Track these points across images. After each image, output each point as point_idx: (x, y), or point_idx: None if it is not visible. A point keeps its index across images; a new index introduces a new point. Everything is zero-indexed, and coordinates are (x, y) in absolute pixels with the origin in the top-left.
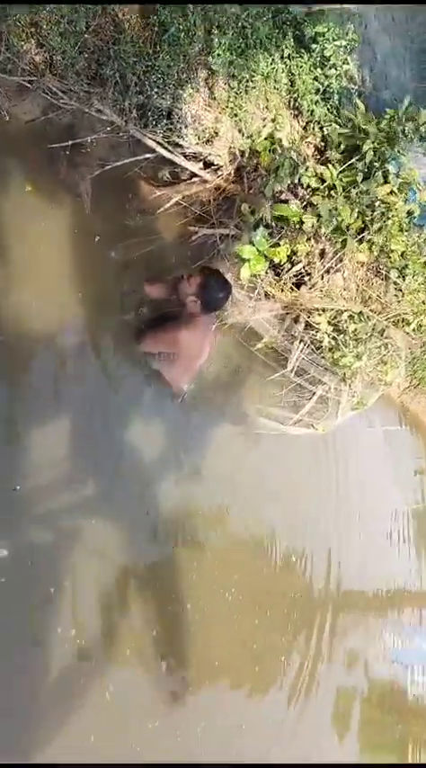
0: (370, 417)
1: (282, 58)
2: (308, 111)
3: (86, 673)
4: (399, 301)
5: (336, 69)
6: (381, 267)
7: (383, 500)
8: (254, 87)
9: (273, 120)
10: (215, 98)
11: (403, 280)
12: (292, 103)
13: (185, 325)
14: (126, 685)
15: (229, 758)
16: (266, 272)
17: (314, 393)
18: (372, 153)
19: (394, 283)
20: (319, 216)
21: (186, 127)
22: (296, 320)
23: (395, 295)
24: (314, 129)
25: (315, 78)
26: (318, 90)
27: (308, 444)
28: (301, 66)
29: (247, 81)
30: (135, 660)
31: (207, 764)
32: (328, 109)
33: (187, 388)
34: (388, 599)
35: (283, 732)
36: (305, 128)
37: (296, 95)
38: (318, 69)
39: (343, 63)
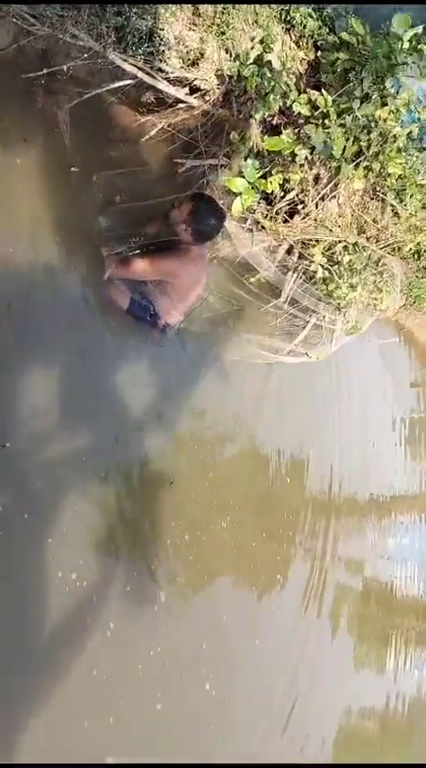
0: (366, 333)
1: None
2: (301, 24)
3: (89, 612)
4: (396, 224)
5: None
6: (378, 190)
7: (380, 411)
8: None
9: (262, 42)
10: (200, 15)
11: (401, 202)
12: (283, 16)
13: (178, 253)
14: (126, 619)
15: (232, 671)
16: (258, 203)
17: (307, 322)
18: (373, 74)
19: (391, 206)
20: (312, 147)
21: (169, 49)
22: (289, 252)
23: (392, 218)
24: (307, 43)
25: None
26: None
27: (306, 364)
28: None
29: None
30: (134, 595)
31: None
32: (322, 21)
33: (180, 322)
34: (386, 503)
35: (288, 635)
36: (297, 43)
37: (287, 7)
38: None
39: None
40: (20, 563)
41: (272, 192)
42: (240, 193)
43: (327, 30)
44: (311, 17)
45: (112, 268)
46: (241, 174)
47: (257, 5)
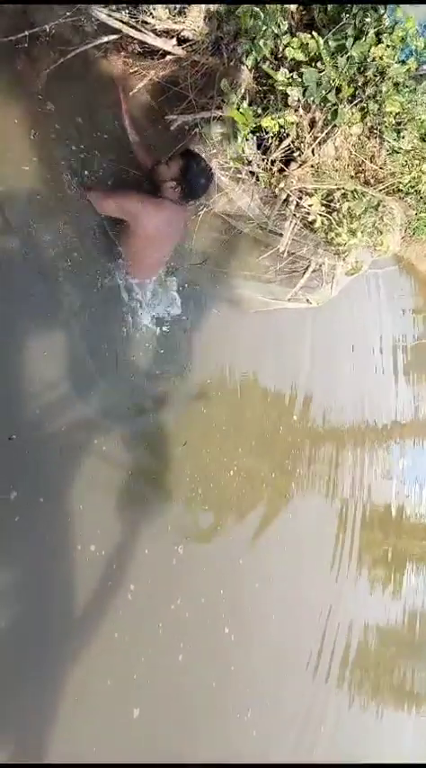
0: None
1: None
2: None
3: (109, 579)
4: (394, 161)
5: None
6: (374, 128)
7: (376, 338)
8: None
9: None
10: None
11: (399, 139)
12: None
13: (146, 198)
14: (146, 580)
15: (250, 613)
16: (253, 153)
17: (306, 268)
18: (365, 9)
19: (389, 143)
20: (305, 88)
21: None
22: (286, 201)
23: (389, 155)
24: None
25: None
26: None
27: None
28: None
29: None
30: (153, 556)
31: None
32: None
33: (150, 281)
34: (386, 428)
35: (293, 564)
36: None
37: None
38: None
39: None
40: (38, 543)
41: (268, 130)
42: (238, 131)
43: None
44: None
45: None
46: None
47: None
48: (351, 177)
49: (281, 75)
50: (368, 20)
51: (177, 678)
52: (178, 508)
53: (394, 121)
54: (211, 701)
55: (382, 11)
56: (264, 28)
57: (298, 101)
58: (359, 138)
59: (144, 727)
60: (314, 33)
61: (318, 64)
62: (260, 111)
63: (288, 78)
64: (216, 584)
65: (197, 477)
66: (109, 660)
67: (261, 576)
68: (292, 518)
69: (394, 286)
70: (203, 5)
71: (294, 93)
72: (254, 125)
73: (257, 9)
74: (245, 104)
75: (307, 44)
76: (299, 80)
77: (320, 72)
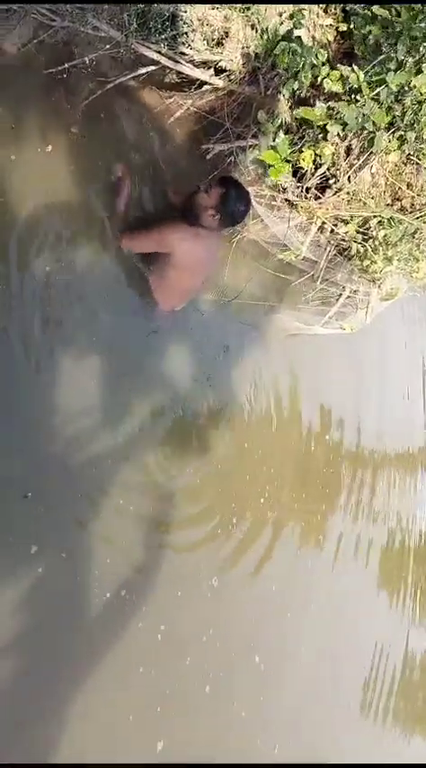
0: None
1: None
2: None
3: (139, 620)
4: None
5: None
6: (411, 156)
7: (407, 362)
8: None
9: (292, 17)
10: None
11: None
12: None
13: (182, 228)
14: (178, 619)
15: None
16: (289, 181)
17: (340, 295)
18: (408, 45)
19: None
20: (345, 124)
21: (193, 31)
22: (321, 229)
23: None
24: (336, 9)
25: None
26: None
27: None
28: None
29: None
30: (185, 592)
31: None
32: None
33: (176, 309)
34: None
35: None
36: (325, 10)
37: None
38: None
39: None
40: (65, 592)
41: (303, 168)
42: (272, 165)
43: None
44: None
45: (123, 241)
46: (272, 148)
47: None
48: (388, 205)
49: (319, 110)
50: (413, 53)
51: (202, 710)
52: (212, 541)
53: None
54: (239, 733)
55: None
56: (302, 61)
57: (338, 135)
58: (396, 165)
59: (167, 760)
60: (354, 66)
61: (357, 96)
62: (296, 140)
63: (327, 113)
64: (249, 613)
65: (233, 506)
66: (133, 695)
67: (298, 601)
68: (326, 545)
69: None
70: (241, 41)
71: (333, 129)
72: (291, 162)
73: (294, 45)
74: (282, 135)
75: (348, 76)
76: (338, 116)
77: (359, 105)
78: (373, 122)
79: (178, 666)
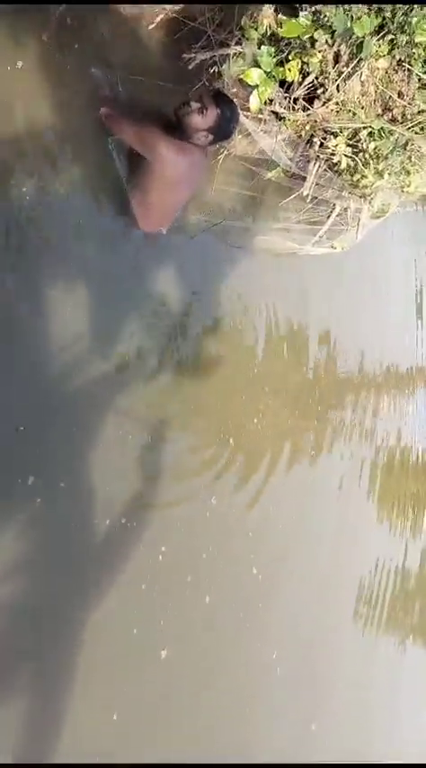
0: None
1: None
2: None
3: (140, 544)
4: (423, 96)
5: None
6: (402, 61)
7: (398, 283)
8: None
9: None
10: None
11: None
12: None
13: (171, 138)
14: (178, 542)
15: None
16: (275, 92)
17: (331, 212)
18: None
19: (419, 79)
20: (333, 31)
21: None
22: (309, 142)
23: (419, 89)
24: None
25: None
26: None
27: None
28: None
29: None
30: (185, 512)
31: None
32: None
33: (160, 232)
34: (411, 375)
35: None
36: None
37: None
38: None
39: None
40: (64, 521)
41: (291, 79)
42: (257, 86)
43: None
44: None
45: (104, 110)
46: (256, 64)
47: None
48: (378, 115)
49: (304, 20)
50: None
51: (205, 621)
52: (209, 458)
53: (424, 53)
54: (238, 640)
55: None
56: None
57: (326, 42)
58: (387, 72)
59: (171, 667)
60: None
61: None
62: (283, 47)
63: (313, 20)
64: (245, 528)
65: (229, 425)
66: (133, 610)
67: (292, 518)
68: (321, 460)
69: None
70: None
71: (321, 38)
72: (275, 82)
73: None
74: (265, 48)
75: None
76: (326, 21)
77: (347, 11)
78: (362, 26)
79: (179, 582)
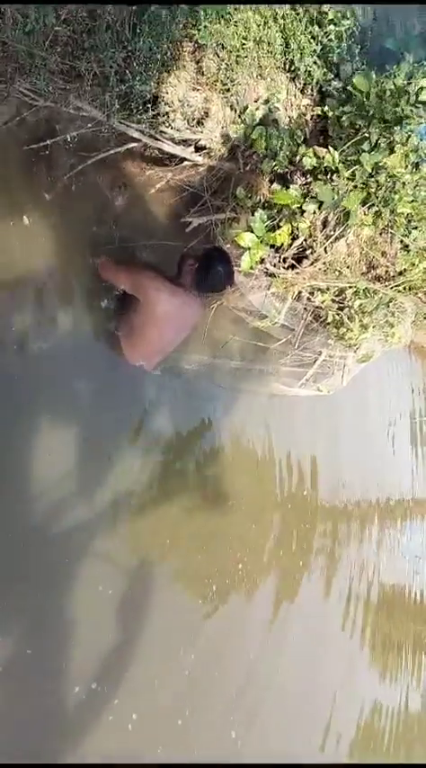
0: None
1: (275, 19)
2: (305, 73)
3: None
4: (405, 255)
5: (335, 26)
6: (386, 227)
7: (385, 414)
8: (246, 56)
9: (267, 102)
10: (203, 74)
11: (409, 235)
12: (288, 66)
13: (161, 279)
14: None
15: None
16: (267, 251)
17: (317, 359)
18: (380, 128)
19: (401, 241)
20: (321, 202)
21: (174, 111)
22: (298, 298)
23: (401, 250)
24: (313, 90)
25: (313, 37)
26: (314, 51)
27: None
28: (296, 26)
29: (237, 50)
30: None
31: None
32: (326, 67)
33: (146, 368)
34: (394, 506)
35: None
36: (302, 90)
37: (292, 56)
38: (315, 27)
39: (343, 18)
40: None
41: (281, 243)
42: (249, 248)
43: (332, 75)
44: (316, 65)
45: (102, 260)
46: (249, 229)
47: (260, 62)
48: (363, 273)
49: (294, 192)
50: (385, 134)
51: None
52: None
53: (405, 221)
54: None
55: (396, 128)
56: (280, 142)
57: (314, 212)
58: (371, 237)
59: None
60: (330, 148)
61: (333, 176)
62: (275, 214)
63: (303, 193)
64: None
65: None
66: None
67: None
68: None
69: (404, 367)
70: (220, 121)
71: (310, 208)
72: (266, 246)
73: (271, 130)
74: (259, 214)
75: (323, 156)
76: (315, 194)
77: (334, 185)
78: (350, 200)
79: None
